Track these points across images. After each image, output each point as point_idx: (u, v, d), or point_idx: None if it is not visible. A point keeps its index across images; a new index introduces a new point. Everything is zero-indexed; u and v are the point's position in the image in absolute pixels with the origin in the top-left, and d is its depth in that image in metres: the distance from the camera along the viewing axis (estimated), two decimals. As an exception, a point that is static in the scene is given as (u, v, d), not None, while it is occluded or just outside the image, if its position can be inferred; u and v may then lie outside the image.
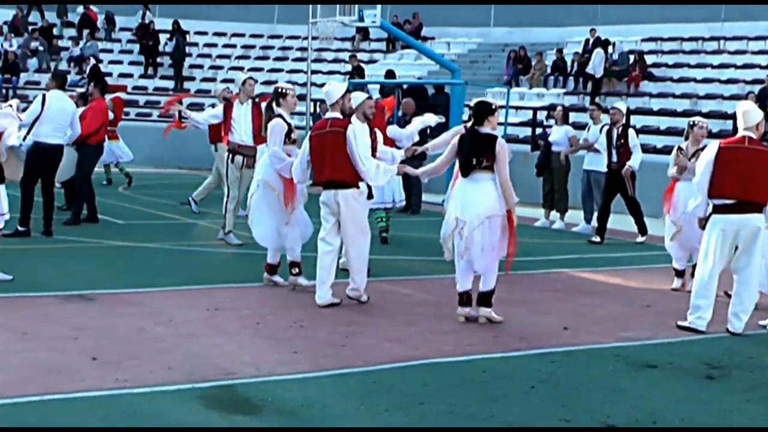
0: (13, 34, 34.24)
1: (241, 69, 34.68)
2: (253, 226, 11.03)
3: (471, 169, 9.34)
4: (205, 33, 36.81)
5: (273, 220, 10.75)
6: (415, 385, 7.23)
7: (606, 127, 15.94)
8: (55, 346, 7.85)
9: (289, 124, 10.69)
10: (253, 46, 36.55)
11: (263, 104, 11.98)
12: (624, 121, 15.75)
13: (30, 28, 34.96)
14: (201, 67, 35.43)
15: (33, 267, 11.36)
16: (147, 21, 35.43)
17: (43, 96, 13.66)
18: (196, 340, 8.30)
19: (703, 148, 11.76)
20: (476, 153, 9.31)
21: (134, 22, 36.21)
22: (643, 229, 16.04)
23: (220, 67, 35.29)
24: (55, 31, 35.59)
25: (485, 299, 9.47)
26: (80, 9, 35.84)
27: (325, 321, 9.29)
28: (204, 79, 34.52)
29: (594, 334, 9.34)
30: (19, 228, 13.34)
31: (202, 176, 18.97)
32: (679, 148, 11.96)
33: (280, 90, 10.91)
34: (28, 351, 7.68)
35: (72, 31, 36.03)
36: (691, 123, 12.06)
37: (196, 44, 36.27)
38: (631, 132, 15.64)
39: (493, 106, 9.52)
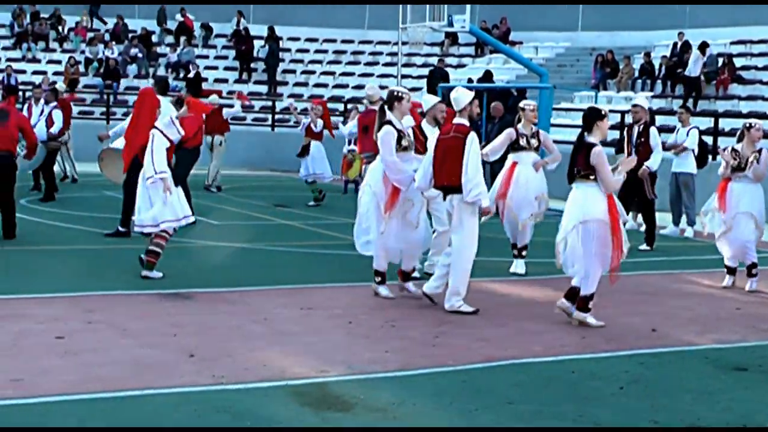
0: (114, 42, 34.85)
1: (332, 74, 34.93)
2: (362, 232, 10.84)
3: (572, 178, 9.28)
4: (297, 39, 37.04)
5: (400, 228, 10.35)
6: (505, 384, 7.19)
7: (637, 126, 14.84)
8: (154, 343, 7.96)
9: (399, 131, 10.29)
10: (344, 52, 36.71)
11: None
12: (647, 119, 14.77)
13: (130, 35, 35.53)
14: (293, 72, 35.67)
15: (132, 266, 11.52)
16: (242, 27, 35.79)
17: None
18: (290, 338, 8.35)
19: (759, 151, 11.61)
20: (576, 161, 9.25)
21: (229, 29, 36.58)
22: (651, 239, 14.97)
23: (312, 72, 35.51)
24: (153, 39, 36.11)
25: (581, 303, 9.36)
26: (178, 16, 36.29)
27: (416, 321, 9.29)
28: (296, 84, 34.76)
29: (682, 336, 9.20)
30: (120, 228, 13.55)
31: (294, 179, 19.09)
32: (734, 149, 11.79)
33: (395, 93, 10.45)
34: (128, 347, 7.79)
35: (170, 38, 36.50)
36: (747, 125, 11.91)
37: (288, 50, 36.52)
38: (652, 131, 14.64)
39: (603, 113, 9.39)
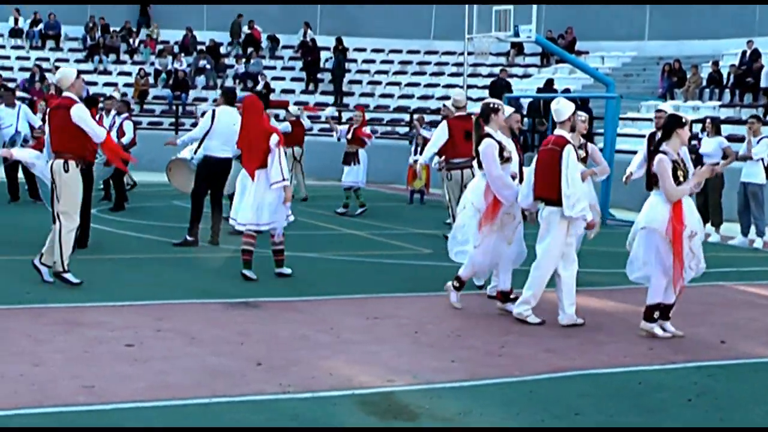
0: (182, 54, 35.24)
1: (397, 84, 34.97)
2: (456, 243, 10.39)
3: (649, 185, 9.23)
4: (363, 49, 37.14)
5: (495, 243, 10.08)
6: (571, 395, 7.13)
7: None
8: (222, 351, 8.01)
9: (499, 142, 10.08)
10: (409, 62, 36.73)
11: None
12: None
13: (198, 47, 35.89)
14: (359, 82, 35.78)
15: (200, 275, 11.63)
16: (308, 39, 35.99)
17: (213, 111, 13.89)
18: (356, 348, 8.36)
19: None
20: (649, 170, 9.21)
21: (296, 40, 36.80)
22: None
23: (378, 83, 35.58)
24: (221, 50, 36.43)
25: (647, 313, 9.26)
26: (245, 28, 36.58)
27: (482, 330, 9.25)
28: (362, 94, 34.85)
29: (752, 347, 9.07)
30: (188, 237, 13.67)
31: (366, 190, 19.12)
32: None
33: (492, 105, 10.23)
34: (196, 355, 7.85)
35: (237, 50, 36.81)
36: None
37: (354, 60, 36.63)
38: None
39: (683, 120, 9.26)
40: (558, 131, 9.69)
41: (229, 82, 34.39)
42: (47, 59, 34.99)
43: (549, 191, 9.48)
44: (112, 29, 36.29)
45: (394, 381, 7.30)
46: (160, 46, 36.16)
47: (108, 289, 10.46)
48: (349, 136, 19.24)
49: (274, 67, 36.36)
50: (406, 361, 7.94)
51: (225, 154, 13.71)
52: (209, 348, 8.10)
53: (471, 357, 8.22)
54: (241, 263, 11.49)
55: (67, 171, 10.52)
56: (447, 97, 19.23)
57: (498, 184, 9.88)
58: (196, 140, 13.85)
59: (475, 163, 10.41)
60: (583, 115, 11.95)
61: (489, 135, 10.04)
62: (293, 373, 7.37)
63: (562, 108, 9.71)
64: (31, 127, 17.97)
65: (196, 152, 13.86)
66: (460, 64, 31.77)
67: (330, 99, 34.19)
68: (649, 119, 25.80)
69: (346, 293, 10.93)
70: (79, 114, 10.55)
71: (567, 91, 27.09)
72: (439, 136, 13.78)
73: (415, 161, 18.91)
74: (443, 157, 13.83)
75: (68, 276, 10.44)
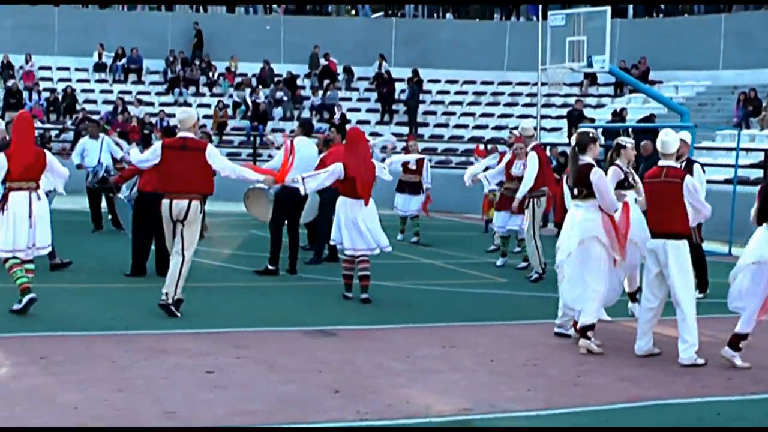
0: (260, 86, 35.63)
1: (472, 115, 34.97)
2: (567, 287, 9.87)
3: (760, 221, 9.18)
4: (438, 81, 37.22)
5: (587, 279, 9.73)
6: (648, 425, 7.04)
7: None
8: (300, 379, 8.04)
9: (626, 173, 10.37)
10: (483, 93, 36.71)
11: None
12: (687, 155, 12.64)
13: (275, 79, 36.24)
14: (434, 113, 35.84)
15: (278, 303, 11.70)
16: (383, 71, 36.17)
17: (291, 142, 14.02)
18: (432, 376, 8.34)
19: None
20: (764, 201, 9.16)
21: (371, 72, 36.99)
22: (704, 285, 12.99)
23: (452, 113, 35.61)
24: (298, 82, 36.75)
25: (733, 340, 9.12)
26: (322, 61, 36.86)
27: (558, 360, 9.17)
28: (437, 125, 34.91)
29: (833, 379, 8.87)
30: (269, 267, 13.77)
31: (439, 219, 19.11)
32: None
33: (590, 135, 9.95)
34: (275, 383, 7.89)
35: (314, 81, 37.10)
36: None
37: (429, 92, 36.72)
38: (696, 168, 12.46)
39: None
40: (665, 162, 9.47)
41: (305, 114, 34.68)
42: (129, 92, 35.59)
43: (677, 225, 9.29)
44: (193, 62, 36.80)
45: (471, 410, 7.27)
46: (238, 79, 36.58)
47: (188, 316, 10.56)
48: (414, 165, 19.16)
49: (349, 99, 36.58)
50: (483, 390, 7.91)
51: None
52: (287, 375, 8.13)
53: (547, 386, 8.16)
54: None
55: (202, 211, 10.70)
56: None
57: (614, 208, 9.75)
58: (276, 170, 13.92)
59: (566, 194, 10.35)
60: (632, 142, 11.62)
61: (618, 165, 10.24)
62: (370, 401, 7.37)
63: (670, 140, 9.53)
64: (114, 159, 18.26)
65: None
66: (534, 95, 31.66)
67: (405, 130, 34.27)
68: (725, 149, 25.55)
69: (422, 322, 10.92)
70: (215, 153, 10.83)
71: (651, 118, 26.76)
72: (535, 166, 13.86)
73: (491, 191, 18.82)
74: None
75: (173, 309, 10.51)
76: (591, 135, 10.01)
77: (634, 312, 10.90)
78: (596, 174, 9.63)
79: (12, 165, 10.18)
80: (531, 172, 14.01)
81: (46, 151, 10.60)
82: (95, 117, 29.89)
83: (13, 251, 10.22)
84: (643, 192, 9.78)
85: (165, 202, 10.57)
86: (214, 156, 10.70)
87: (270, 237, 13.94)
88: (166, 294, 10.47)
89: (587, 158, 9.81)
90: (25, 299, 10.13)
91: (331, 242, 12.34)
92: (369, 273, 12.02)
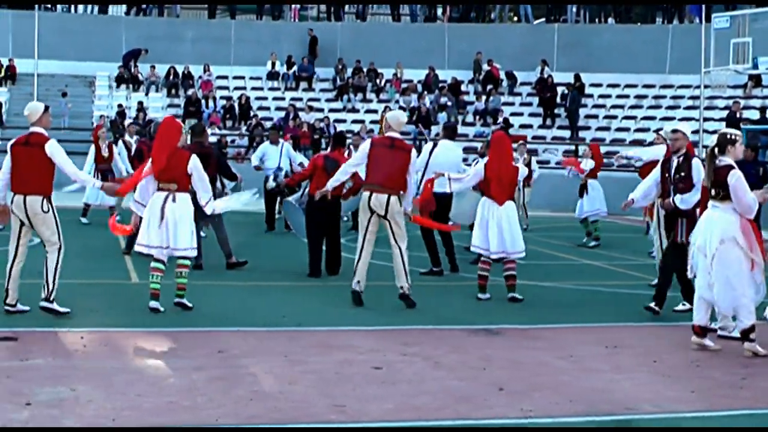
0: (425, 92, 35.81)
1: (633, 118, 34.37)
2: (720, 293, 9.34)
3: None
4: (599, 85, 36.69)
5: (733, 283, 9.31)
6: (817, 429, 6.79)
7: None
8: (465, 376, 8.04)
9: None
10: (645, 96, 36.02)
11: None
12: (687, 148, 11.25)
13: (440, 85, 36.34)
14: (596, 117, 35.36)
15: (442, 302, 11.75)
16: (545, 75, 35.88)
17: (434, 145, 14.05)
18: (595, 375, 8.23)
19: None
20: None
21: (533, 77, 36.73)
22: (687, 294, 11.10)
23: (614, 117, 35.07)
24: (462, 87, 36.77)
25: None
26: (485, 66, 36.78)
27: (721, 361, 8.92)
28: (598, 128, 34.43)
29: None
30: (434, 269, 13.82)
31: (601, 221, 18.85)
32: None
33: (729, 136, 9.56)
34: (440, 379, 7.92)
35: (477, 87, 37.07)
36: None
37: (591, 95, 36.24)
38: (695, 163, 11.08)
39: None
40: None
41: (469, 119, 34.68)
42: (300, 99, 36.23)
43: None
44: (361, 69, 37.20)
45: (634, 409, 7.14)
46: (404, 85, 36.82)
47: (357, 313, 10.70)
48: (587, 168, 18.93)
49: (512, 103, 36.41)
50: (646, 390, 7.75)
51: (442, 188, 12.86)
52: (453, 372, 8.15)
53: (711, 388, 7.95)
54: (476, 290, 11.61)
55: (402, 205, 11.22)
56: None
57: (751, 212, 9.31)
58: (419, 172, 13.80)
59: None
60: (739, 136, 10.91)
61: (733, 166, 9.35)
62: (535, 399, 7.32)
63: None
64: (292, 163, 18.71)
65: (419, 187, 13.94)
66: (697, 98, 30.94)
67: (566, 133, 33.96)
68: None
69: (584, 322, 10.80)
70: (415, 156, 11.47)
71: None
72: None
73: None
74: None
75: (410, 299, 11.13)
76: (730, 136, 9.53)
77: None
78: (734, 176, 9.18)
79: (153, 166, 10.54)
80: (650, 154, 13.60)
81: (194, 156, 10.76)
82: (268, 123, 30.66)
83: (148, 247, 10.50)
84: None
85: (364, 194, 11.14)
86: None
87: (441, 239, 13.99)
88: (402, 287, 11.09)
89: (727, 159, 9.37)
90: (151, 304, 10.42)
91: (473, 248, 12.19)
92: (514, 273, 11.90)
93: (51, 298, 9.91)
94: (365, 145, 11.49)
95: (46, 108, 10.24)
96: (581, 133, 33.89)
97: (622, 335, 10.05)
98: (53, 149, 9.92)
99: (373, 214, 11.09)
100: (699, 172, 10.81)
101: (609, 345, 9.45)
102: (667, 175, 11.23)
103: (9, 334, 8.98)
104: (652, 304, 10.99)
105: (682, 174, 11.05)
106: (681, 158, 11.16)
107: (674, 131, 11.39)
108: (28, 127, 10.16)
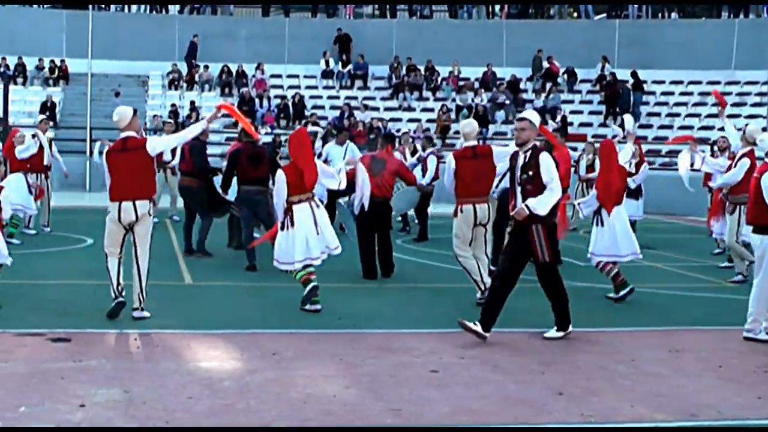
0: (483, 89, 35.72)
1: (697, 116, 34.01)
2: None
3: None
4: (662, 82, 36.38)
5: None
6: None
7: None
8: (524, 379, 8.03)
9: None
10: (709, 93, 35.56)
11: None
12: (536, 141, 9.92)
13: (498, 83, 36.23)
14: (658, 114, 35.05)
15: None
16: (606, 72, 35.64)
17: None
18: (657, 380, 8.16)
19: None
20: None
21: (594, 74, 36.49)
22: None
23: (677, 115, 34.74)
24: (520, 85, 36.64)
25: None
26: (545, 63, 36.62)
27: (788, 367, 8.83)
28: (661, 126, 34.11)
29: None
30: (491, 268, 13.77)
31: (664, 221, 18.70)
32: None
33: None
34: (498, 382, 7.91)
35: (537, 84, 36.90)
36: None
37: (653, 93, 35.95)
38: (544, 159, 9.53)
39: None
40: None
41: (528, 117, 34.51)
42: (355, 98, 36.29)
43: None
44: (416, 67, 37.19)
45: (697, 415, 7.08)
46: (461, 83, 36.75)
47: (412, 316, 10.71)
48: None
49: (572, 101, 36.21)
50: (710, 396, 7.68)
51: None
52: (511, 376, 8.13)
53: (778, 394, 7.86)
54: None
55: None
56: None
57: None
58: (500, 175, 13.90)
59: None
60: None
61: None
62: (594, 403, 7.29)
63: None
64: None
65: (497, 186, 13.95)
66: (764, 94, 30.53)
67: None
68: None
69: (645, 325, 10.72)
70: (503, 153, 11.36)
71: None
72: (741, 171, 13.35)
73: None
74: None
75: None
76: None
77: None
78: None
79: (308, 178, 10.84)
80: (734, 176, 13.49)
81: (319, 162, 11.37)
82: (323, 122, 30.76)
83: (311, 259, 10.90)
84: None
85: (468, 208, 11.36)
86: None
87: (492, 240, 13.94)
88: (482, 291, 11.27)
89: None
90: (307, 288, 10.81)
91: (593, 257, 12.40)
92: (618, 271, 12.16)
93: (143, 306, 10.12)
94: (451, 163, 11.55)
95: (135, 111, 10.38)
96: (643, 131, 33.58)
97: (684, 339, 9.95)
98: (154, 144, 10.20)
99: (477, 225, 11.42)
100: (549, 169, 9.45)
101: (671, 349, 9.37)
102: (513, 174, 9.77)
103: (63, 335, 9.12)
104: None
105: (530, 173, 9.43)
106: (528, 154, 9.56)
107: (519, 119, 9.77)
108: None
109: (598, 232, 12.21)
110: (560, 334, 9.74)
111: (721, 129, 27.18)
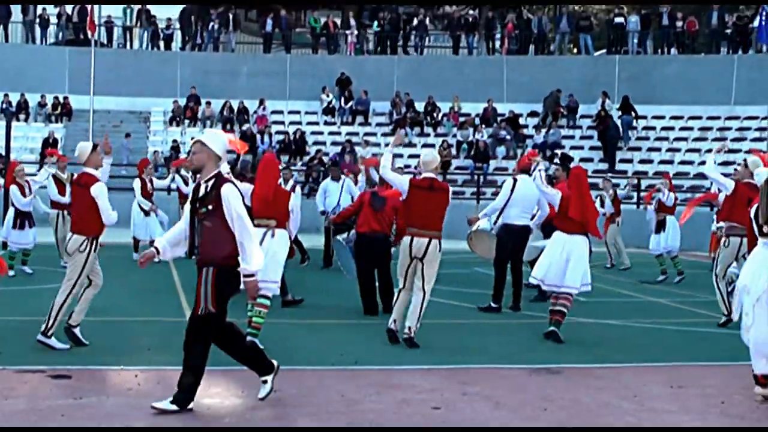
0: (483, 125, 35.78)
1: (697, 151, 34.03)
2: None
3: None
4: (662, 117, 36.44)
5: None
6: None
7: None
8: (526, 416, 7.97)
9: None
10: (710, 128, 35.68)
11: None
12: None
13: (498, 118, 36.29)
14: (658, 150, 35.09)
15: (502, 341, 11.66)
16: (607, 108, 35.70)
17: (514, 180, 14.02)
18: (661, 417, 8.11)
19: None
20: None
21: (595, 110, 36.53)
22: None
23: (677, 150, 34.77)
24: (521, 121, 36.70)
25: None
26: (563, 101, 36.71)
27: (792, 403, 8.77)
28: (661, 162, 34.12)
29: None
30: (492, 304, 13.78)
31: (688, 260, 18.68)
32: None
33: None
34: (502, 419, 7.86)
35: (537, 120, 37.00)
36: None
37: (653, 128, 36.02)
38: (225, 191, 7.73)
39: None
40: None
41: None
42: (356, 133, 36.38)
43: None
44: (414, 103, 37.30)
45: (702, 452, 7.03)
46: (462, 119, 36.82)
47: (415, 352, 10.66)
48: (670, 203, 18.95)
49: (572, 137, 36.26)
50: (714, 432, 7.64)
51: (523, 222, 13.92)
52: (513, 413, 8.08)
53: (783, 430, 7.81)
54: (541, 329, 11.48)
55: (440, 249, 11.12)
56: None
57: None
58: (498, 210, 13.96)
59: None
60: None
61: None
62: (598, 441, 7.24)
63: None
64: (353, 199, 18.79)
65: (495, 222, 13.98)
66: (764, 129, 30.55)
67: (629, 167, 33.74)
68: None
69: (648, 360, 10.66)
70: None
71: None
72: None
73: (719, 228, 18.22)
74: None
75: (414, 341, 10.94)
76: None
77: None
78: None
79: (253, 202, 10.71)
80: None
81: (294, 194, 11.40)
82: (325, 158, 30.81)
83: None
84: None
85: (406, 239, 11.03)
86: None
87: (494, 275, 13.95)
88: (409, 328, 10.90)
89: None
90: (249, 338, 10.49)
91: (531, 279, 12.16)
92: (563, 309, 11.75)
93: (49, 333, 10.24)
94: (404, 185, 11.22)
95: (95, 146, 10.56)
96: (643, 167, 33.63)
97: (687, 374, 9.90)
98: (97, 192, 10.26)
99: (414, 259, 11.03)
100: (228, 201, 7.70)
101: (674, 385, 9.31)
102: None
103: (63, 372, 9.07)
104: None
105: (210, 207, 7.79)
106: (209, 184, 7.85)
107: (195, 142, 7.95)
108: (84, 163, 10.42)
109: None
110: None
111: (723, 164, 27.21)
